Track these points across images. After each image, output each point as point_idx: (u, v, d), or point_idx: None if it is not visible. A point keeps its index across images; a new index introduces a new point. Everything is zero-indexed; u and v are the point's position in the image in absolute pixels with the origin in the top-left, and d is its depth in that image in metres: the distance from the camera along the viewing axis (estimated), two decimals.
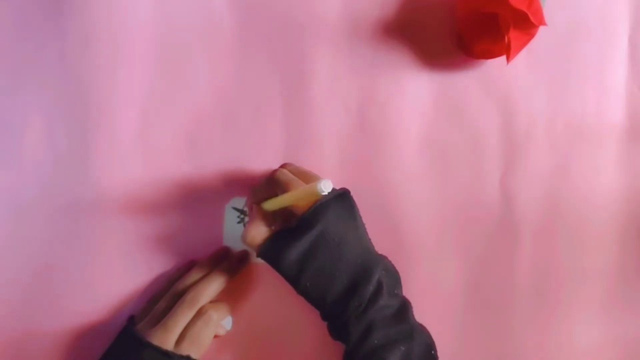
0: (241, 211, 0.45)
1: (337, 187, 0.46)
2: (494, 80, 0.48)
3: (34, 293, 0.43)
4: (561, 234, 0.48)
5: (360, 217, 0.40)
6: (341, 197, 0.39)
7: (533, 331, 0.47)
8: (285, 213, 0.39)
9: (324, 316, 0.39)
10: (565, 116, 0.49)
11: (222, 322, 0.42)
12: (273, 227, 0.39)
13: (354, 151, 0.46)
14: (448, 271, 0.47)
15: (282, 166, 0.43)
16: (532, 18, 0.40)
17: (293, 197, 0.37)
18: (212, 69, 0.46)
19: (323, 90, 0.46)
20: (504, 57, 0.43)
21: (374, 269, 0.38)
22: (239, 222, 0.45)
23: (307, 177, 0.40)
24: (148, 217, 0.44)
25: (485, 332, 0.47)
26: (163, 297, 0.41)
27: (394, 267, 0.41)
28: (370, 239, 0.40)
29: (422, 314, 0.46)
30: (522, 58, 0.46)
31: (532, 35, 0.42)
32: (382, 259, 0.40)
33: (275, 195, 0.39)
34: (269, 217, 0.40)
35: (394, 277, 0.40)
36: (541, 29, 0.42)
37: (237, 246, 0.45)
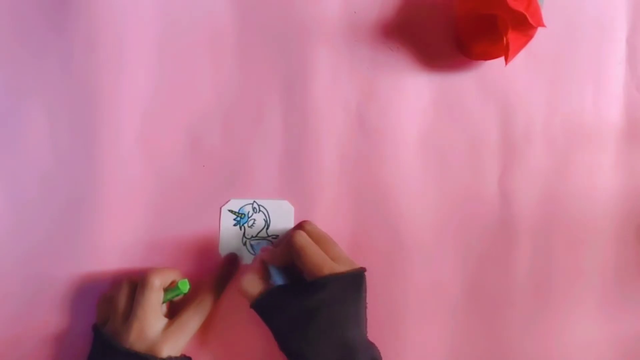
0: (237, 213, 0.45)
1: (335, 185, 0.45)
2: (492, 81, 0.48)
3: (34, 291, 0.43)
4: (559, 233, 0.48)
5: (365, 300, 0.40)
6: (357, 276, 0.39)
7: (530, 329, 0.47)
8: (289, 271, 0.40)
9: None
10: (563, 116, 0.49)
11: (178, 283, 0.41)
12: (271, 282, 0.40)
13: (354, 151, 0.46)
14: (446, 270, 0.47)
15: (301, 225, 0.42)
16: (530, 19, 0.40)
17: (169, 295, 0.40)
18: (212, 70, 0.46)
19: (323, 90, 0.46)
20: (502, 58, 0.43)
21: (361, 356, 0.37)
22: (235, 225, 0.45)
23: (323, 242, 0.40)
24: (146, 217, 0.44)
25: (482, 330, 0.47)
26: (119, 295, 0.40)
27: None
28: (366, 325, 0.40)
29: (420, 312, 0.46)
30: (520, 59, 0.46)
31: (530, 37, 0.42)
32: (372, 347, 0.39)
33: (289, 260, 0.39)
34: (267, 273, 0.40)
35: None
36: (539, 30, 0.42)
37: (232, 248, 0.45)
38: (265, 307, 0.39)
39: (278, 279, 0.40)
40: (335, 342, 0.37)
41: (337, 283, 0.37)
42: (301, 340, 0.37)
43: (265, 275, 0.40)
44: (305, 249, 0.38)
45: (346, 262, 0.39)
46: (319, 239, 0.40)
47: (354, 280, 0.39)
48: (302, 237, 0.39)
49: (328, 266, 0.38)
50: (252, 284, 0.39)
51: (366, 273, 0.40)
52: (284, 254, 0.39)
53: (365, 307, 0.40)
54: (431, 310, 0.46)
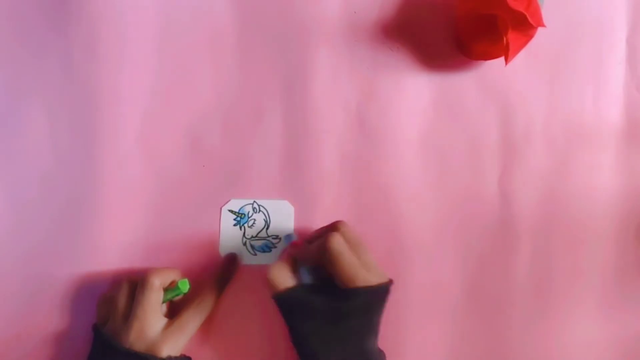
0: (237, 213, 0.45)
1: (335, 185, 0.46)
2: (492, 81, 0.48)
3: (34, 291, 0.43)
4: (559, 233, 0.48)
5: (383, 311, 0.40)
6: (385, 289, 0.39)
7: (530, 329, 0.47)
8: (317, 269, 0.40)
9: None
10: (563, 116, 0.49)
11: (178, 283, 0.41)
12: (298, 277, 0.40)
13: (354, 151, 0.46)
14: (446, 270, 0.47)
15: (336, 226, 0.41)
16: (530, 19, 0.40)
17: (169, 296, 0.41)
18: (212, 70, 0.46)
19: (323, 90, 0.46)
20: (502, 58, 0.43)
21: None
22: (235, 225, 0.45)
23: (356, 247, 0.39)
24: (146, 217, 0.44)
25: (482, 330, 0.47)
26: (119, 295, 0.40)
27: None
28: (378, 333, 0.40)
29: (420, 312, 0.46)
30: (520, 59, 0.46)
31: (530, 37, 0.42)
32: (381, 355, 0.39)
33: (321, 261, 0.38)
34: (296, 267, 0.40)
35: None
36: (539, 30, 0.42)
37: (232, 248, 0.45)
38: (288, 303, 0.39)
39: (306, 278, 0.40)
40: (352, 350, 0.37)
41: (368, 295, 0.37)
42: (319, 345, 0.37)
43: (295, 270, 0.40)
44: (341, 255, 0.37)
45: (376, 272, 0.39)
46: (353, 244, 0.39)
47: (382, 293, 0.39)
48: (338, 243, 0.38)
49: (361, 277, 0.37)
50: (281, 276, 0.39)
51: None
52: (317, 254, 0.39)
53: (380, 317, 0.39)
54: (431, 310, 0.46)
